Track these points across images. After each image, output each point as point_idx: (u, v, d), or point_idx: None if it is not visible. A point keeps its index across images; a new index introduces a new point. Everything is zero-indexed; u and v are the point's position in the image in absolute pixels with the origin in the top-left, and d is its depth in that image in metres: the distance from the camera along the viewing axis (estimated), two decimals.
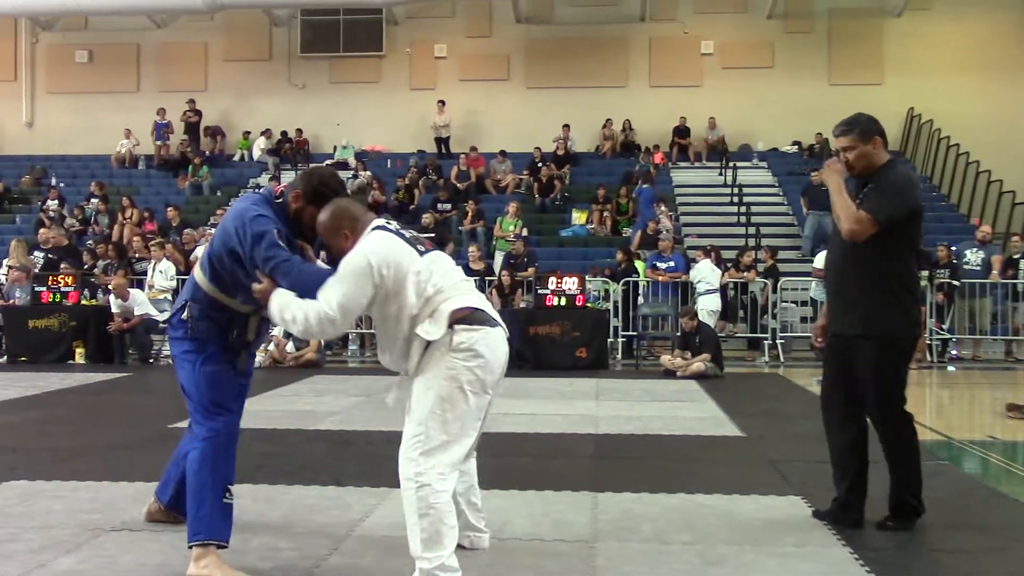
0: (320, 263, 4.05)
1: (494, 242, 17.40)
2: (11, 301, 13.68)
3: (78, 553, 4.04)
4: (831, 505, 4.61)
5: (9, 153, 24.49)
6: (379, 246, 3.66)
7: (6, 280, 14.26)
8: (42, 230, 16.42)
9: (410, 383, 3.71)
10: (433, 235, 14.83)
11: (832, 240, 4.74)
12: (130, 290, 12.89)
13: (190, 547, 3.79)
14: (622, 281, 14.41)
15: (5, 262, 14.88)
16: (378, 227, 3.76)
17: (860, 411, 4.55)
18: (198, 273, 4.02)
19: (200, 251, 4.24)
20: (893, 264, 4.38)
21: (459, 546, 4.04)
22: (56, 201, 19.99)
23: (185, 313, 4.00)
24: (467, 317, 3.64)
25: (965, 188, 20.03)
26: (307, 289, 3.66)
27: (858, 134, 4.51)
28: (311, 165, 22.33)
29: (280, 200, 3.96)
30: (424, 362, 3.64)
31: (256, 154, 23.27)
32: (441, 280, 3.69)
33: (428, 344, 3.62)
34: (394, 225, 3.83)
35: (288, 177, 21.34)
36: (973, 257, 14.54)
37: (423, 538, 3.54)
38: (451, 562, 3.56)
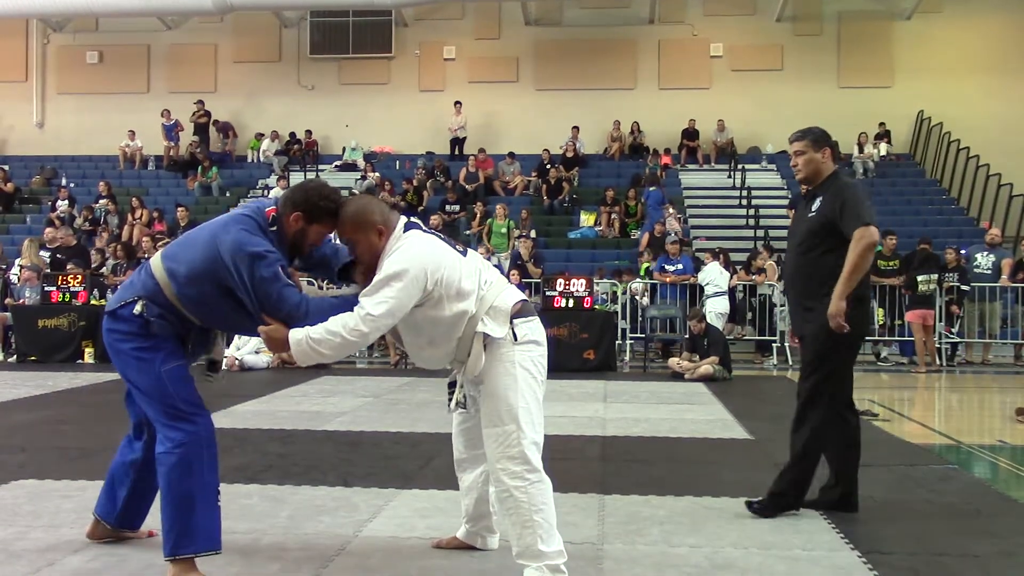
0: (304, 283, 3.87)
1: (490, 242, 17.24)
2: (21, 301, 13.73)
3: (86, 552, 4.05)
4: (820, 497, 4.88)
5: (20, 153, 24.60)
6: (428, 251, 3.58)
7: (17, 280, 14.31)
8: (48, 230, 16.42)
9: (472, 383, 3.69)
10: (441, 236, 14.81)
11: (788, 252, 5.03)
12: None
13: (174, 559, 3.57)
14: (635, 281, 14.46)
15: (17, 262, 14.93)
16: (413, 225, 3.69)
17: (843, 406, 4.81)
18: (162, 277, 3.69)
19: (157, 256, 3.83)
20: (840, 265, 4.58)
21: (470, 547, 4.06)
22: (66, 201, 20.08)
23: (138, 308, 3.67)
24: (520, 310, 3.68)
25: (975, 191, 19.97)
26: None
27: (811, 141, 4.84)
28: (319, 166, 22.48)
29: (275, 228, 3.72)
30: (491, 359, 3.61)
31: (263, 157, 23.26)
32: (487, 276, 3.71)
33: (486, 340, 3.60)
34: (423, 226, 3.77)
35: (297, 178, 21.38)
36: (984, 260, 14.47)
37: (542, 534, 3.52)
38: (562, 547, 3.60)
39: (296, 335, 3.51)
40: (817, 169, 4.82)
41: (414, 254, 3.54)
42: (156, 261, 3.76)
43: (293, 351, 3.53)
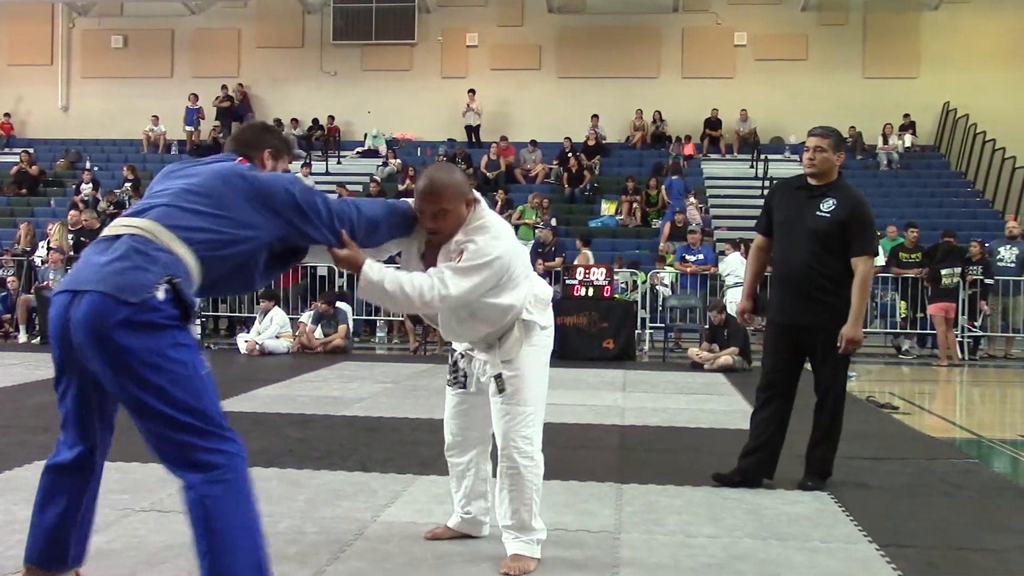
0: None
1: (519, 232, 17.31)
2: (45, 283, 13.84)
3: (107, 532, 4.09)
4: (738, 466, 5.17)
5: (44, 137, 24.77)
6: (512, 241, 3.64)
7: (42, 262, 14.43)
8: (72, 212, 16.55)
9: (493, 362, 3.69)
10: None
11: (791, 242, 5.14)
12: None
13: None
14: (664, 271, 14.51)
15: (43, 244, 15.05)
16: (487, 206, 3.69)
17: (793, 390, 5.21)
18: (179, 247, 2.92)
19: (146, 217, 2.98)
20: (849, 268, 5.01)
21: (465, 535, 4.07)
22: (90, 185, 20.21)
23: (163, 293, 2.81)
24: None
25: (1000, 184, 19.78)
26: (377, 230, 3.44)
27: (833, 142, 5.16)
28: (341, 152, 22.50)
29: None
30: (525, 343, 3.69)
31: None
32: (528, 263, 3.81)
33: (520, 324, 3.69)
34: None
35: (319, 165, 21.43)
36: (1007, 254, 14.34)
37: (536, 511, 3.71)
38: None
39: (371, 274, 3.36)
40: (830, 169, 5.10)
41: (507, 244, 3.56)
42: (159, 229, 2.94)
43: (362, 287, 3.43)
